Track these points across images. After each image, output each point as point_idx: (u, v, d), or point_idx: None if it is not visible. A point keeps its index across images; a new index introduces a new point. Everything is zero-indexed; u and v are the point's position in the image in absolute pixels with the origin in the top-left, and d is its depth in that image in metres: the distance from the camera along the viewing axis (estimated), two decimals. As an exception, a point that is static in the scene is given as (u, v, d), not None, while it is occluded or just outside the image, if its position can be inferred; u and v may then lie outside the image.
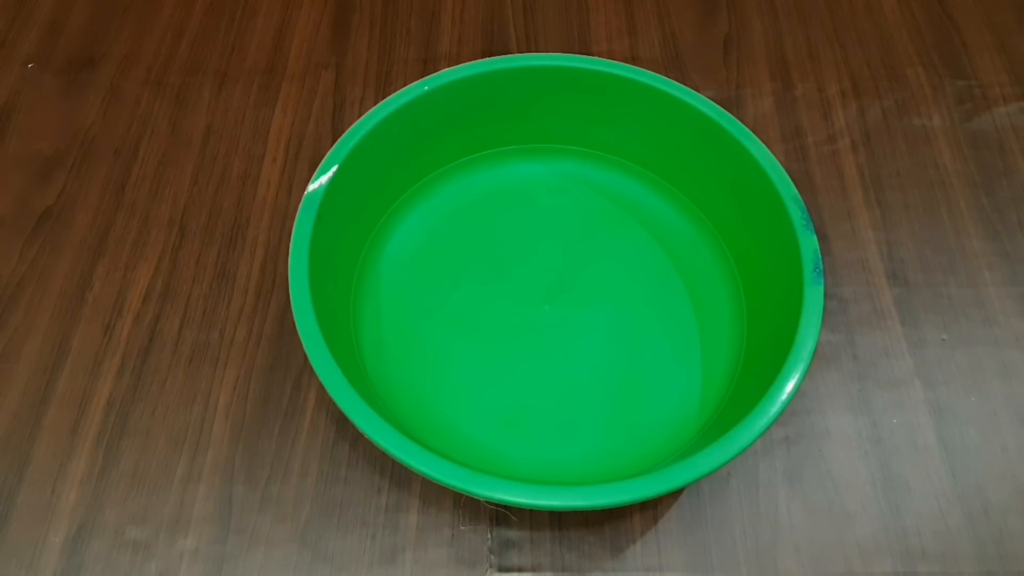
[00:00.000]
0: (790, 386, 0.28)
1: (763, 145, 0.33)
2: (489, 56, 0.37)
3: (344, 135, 0.33)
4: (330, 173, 0.32)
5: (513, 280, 0.36)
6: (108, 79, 0.43)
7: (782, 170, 0.32)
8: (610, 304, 0.35)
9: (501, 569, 0.30)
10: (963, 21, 0.46)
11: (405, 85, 0.35)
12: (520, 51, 0.45)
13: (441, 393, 0.33)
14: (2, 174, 0.40)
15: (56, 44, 0.45)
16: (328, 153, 0.33)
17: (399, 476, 0.32)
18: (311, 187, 0.32)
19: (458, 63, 0.39)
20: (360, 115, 0.34)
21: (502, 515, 0.31)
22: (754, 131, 0.35)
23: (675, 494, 0.31)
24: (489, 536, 0.31)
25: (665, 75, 0.36)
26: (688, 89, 0.35)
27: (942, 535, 0.31)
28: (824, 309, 0.29)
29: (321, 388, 0.33)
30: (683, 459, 0.26)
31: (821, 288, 0.30)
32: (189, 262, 0.37)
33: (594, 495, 0.26)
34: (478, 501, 0.31)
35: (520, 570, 0.30)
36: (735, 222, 0.35)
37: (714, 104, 0.34)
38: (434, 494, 0.31)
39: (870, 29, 0.46)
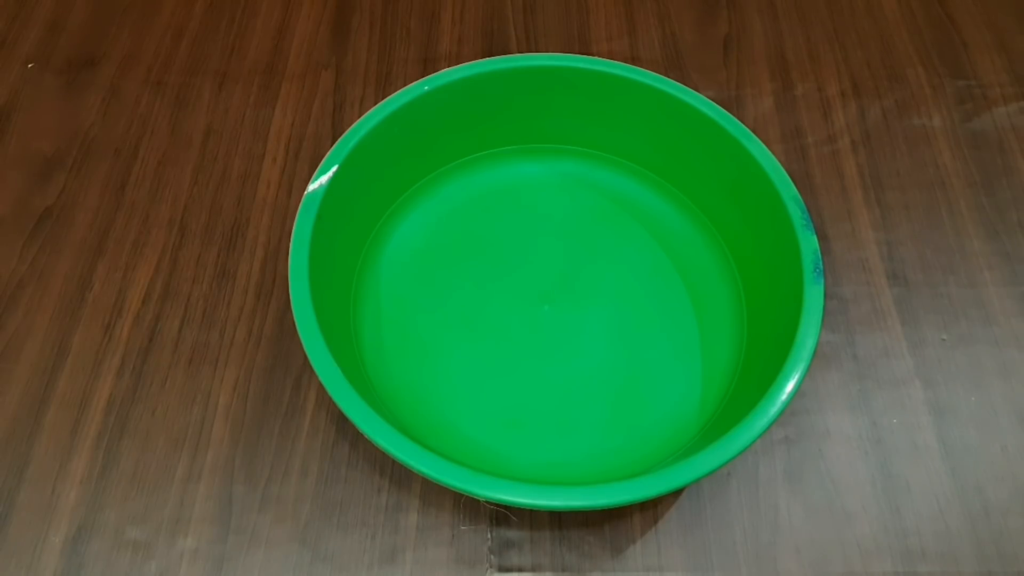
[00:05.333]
0: (790, 386, 0.28)
1: (763, 145, 0.33)
2: (489, 56, 0.37)
3: (344, 135, 0.33)
4: (330, 173, 0.32)
5: (513, 280, 0.36)
6: (108, 79, 0.43)
7: (782, 170, 0.32)
8: (610, 304, 0.35)
9: (501, 569, 0.30)
10: (963, 21, 0.46)
11: (405, 85, 0.35)
12: (520, 51, 0.45)
13: (441, 393, 0.33)
14: (2, 174, 0.40)
15: (56, 44, 0.45)
16: (328, 153, 0.33)
17: (399, 476, 0.32)
18: (311, 187, 0.32)
19: (458, 63, 0.39)
20: (360, 115, 0.34)
21: (502, 515, 0.31)
22: (754, 131, 0.35)
23: (675, 494, 0.31)
24: (489, 536, 0.31)
25: (665, 75, 0.36)
26: (688, 89, 0.35)
27: (942, 535, 0.31)
28: (824, 309, 0.29)
29: (321, 388, 0.33)
30: (683, 459, 0.26)
31: (821, 288, 0.30)
32: (189, 262, 0.37)
33: (594, 495, 0.26)
34: (478, 501, 0.31)
35: (520, 570, 0.30)
36: (735, 222, 0.35)
37: (714, 104, 0.34)
38: (434, 494, 0.31)
39: (870, 29, 0.46)
